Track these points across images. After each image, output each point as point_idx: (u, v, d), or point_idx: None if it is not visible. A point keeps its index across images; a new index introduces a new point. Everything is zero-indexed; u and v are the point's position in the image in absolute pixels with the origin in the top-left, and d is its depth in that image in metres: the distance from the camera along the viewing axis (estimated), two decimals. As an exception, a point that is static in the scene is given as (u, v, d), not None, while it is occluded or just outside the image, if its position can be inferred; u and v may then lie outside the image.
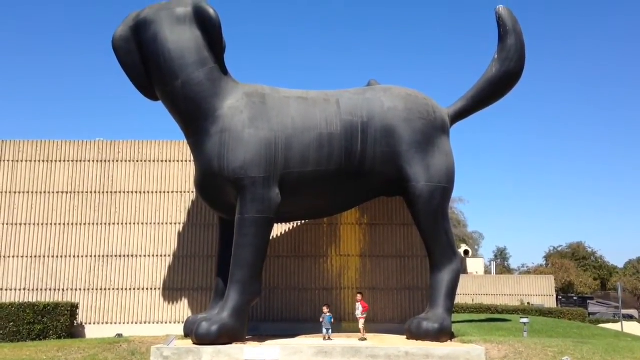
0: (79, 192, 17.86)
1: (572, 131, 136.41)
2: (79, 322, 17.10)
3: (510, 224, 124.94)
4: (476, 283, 46.55)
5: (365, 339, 14.18)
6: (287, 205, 14.36)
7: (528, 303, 43.13)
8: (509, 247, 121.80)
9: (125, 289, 17.38)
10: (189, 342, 13.41)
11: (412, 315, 15.99)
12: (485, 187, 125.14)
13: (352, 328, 15.92)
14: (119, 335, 16.29)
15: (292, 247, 17.69)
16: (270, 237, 14.62)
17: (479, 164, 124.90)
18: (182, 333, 14.81)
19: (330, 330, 14.21)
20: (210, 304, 14.90)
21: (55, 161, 18.07)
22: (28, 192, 17.85)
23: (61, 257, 17.49)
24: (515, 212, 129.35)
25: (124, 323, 17.12)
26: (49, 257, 17.48)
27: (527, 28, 16.24)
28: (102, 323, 17.18)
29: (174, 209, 17.85)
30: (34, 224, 17.67)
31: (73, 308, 16.75)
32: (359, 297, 14.78)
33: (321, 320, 14.34)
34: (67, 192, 17.87)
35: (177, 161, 18.16)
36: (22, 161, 18.04)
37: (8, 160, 18.03)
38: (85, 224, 17.69)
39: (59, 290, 17.33)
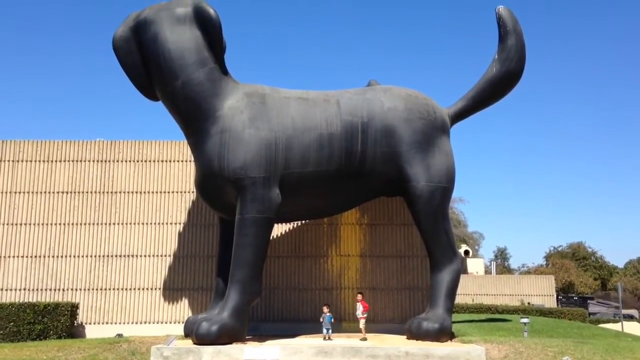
0: (79, 192, 17.87)
1: (572, 131, 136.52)
2: (79, 322, 17.11)
3: (510, 224, 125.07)
4: (476, 283, 46.56)
5: (365, 339, 14.17)
6: (287, 206, 14.36)
7: (528, 303, 43.12)
8: (509, 247, 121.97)
9: (126, 289, 17.39)
10: (189, 342, 13.42)
11: (412, 315, 15.99)
12: (485, 187, 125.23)
13: (352, 328, 15.92)
14: (119, 335, 16.30)
15: (292, 247, 17.70)
16: (271, 237, 14.63)
17: (479, 164, 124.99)
18: (182, 333, 14.81)
19: (330, 330, 14.21)
20: (211, 304, 14.90)
21: (56, 161, 18.08)
22: (28, 192, 17.85)
23: (61, 257, 17.50)
24: (515, 212, 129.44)
25: (124, 323, 17.13)
26: (49, 257, 17.49)
27: (527, 28, 16.26)
28: (102, 323, 17.19)
29: (174, 209, 17.85)
30: (34, 224, 17.68)
31: (73, 308, 16.76)
32: (359, 297, 14.78)
33: (321, 320, 14.34)
34: (67, 192, 17.87)
35: (178, 161, 18.16)
36: (22, 161, 18.05)
37: (8, 161, 18.03)
38: (85, 224, 17.69)
39: (59, 290, 17.33)
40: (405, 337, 14.61)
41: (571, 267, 69.11)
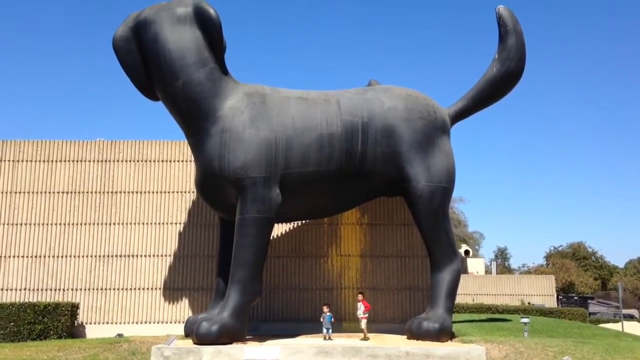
0: (79, 192, 17.87)
1: (572, 131, 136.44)
2: (80, 322, 17.11)
3: (510, 224, 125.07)
4: (477, 283, 46.54)
5: (367, 339, 14.15)
6: (287, 206, 14.36)
7: (529, 303, 43.12)
8: (510, 247, 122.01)
9: (126, 289, 17.39)
10: (189, 342, 13.42)
11: (412, 315, 15.99)
12: (485, 187, 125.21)
13: (353, 328, 15.93)
14: (120, 335, 16.30)
15: (293, 247, 17.70)
16: (271, 237, 14.63)
17: (479, 164, 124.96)
18: (182, 333, 14.81)
19: (330, 330, 14.20)
20: (211, 304, 14.90)
21: (56, 161, 18.08)
22: (29, 192, 17.85)
23: (62, 257, 17.50)
24: (515, 212, 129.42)
25: (124, 323, 17.13)
26: (49, 257, 17.49)
27: (527, 28, 16.26)
28: (103, 323, 17.19)
29: (175, 209, 17.86)
30: (34, 224, 17.68)
31: (73, 308, 16.76)
32: (360, 297, 14.76)
33: (321, 319, 14.33)
34: (67, 192, 17.88)
35: (178, 161, 18.16)
36: (22, 161, 18.05)
37: (9, 161, 18.03)
38: (85, 224, 17.70)
39: (59, 290, 17.34)
40: (405, 337, 14.60)
41: (571, 267, 69.10)
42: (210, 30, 14.26)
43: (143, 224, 17.75)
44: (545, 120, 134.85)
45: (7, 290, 17.26)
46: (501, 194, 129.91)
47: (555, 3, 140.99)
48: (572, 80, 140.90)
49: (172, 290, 17.39)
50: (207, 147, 14.06)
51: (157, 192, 17.95)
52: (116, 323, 17.15)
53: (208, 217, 17.62)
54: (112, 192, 17.89)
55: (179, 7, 14.32)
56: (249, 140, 13.87)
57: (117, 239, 17.63)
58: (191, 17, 14.26)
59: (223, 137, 13.91)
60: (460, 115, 16.19)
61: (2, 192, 17.80)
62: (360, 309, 14.48)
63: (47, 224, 17.69)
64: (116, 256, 17.54)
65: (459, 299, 29.75)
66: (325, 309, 14.38)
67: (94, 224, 17.70)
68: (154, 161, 18.17)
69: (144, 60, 14.46)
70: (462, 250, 32.56)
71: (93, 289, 17.37)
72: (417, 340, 13.90)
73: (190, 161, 17.24)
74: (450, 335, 14.50)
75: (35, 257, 17.48)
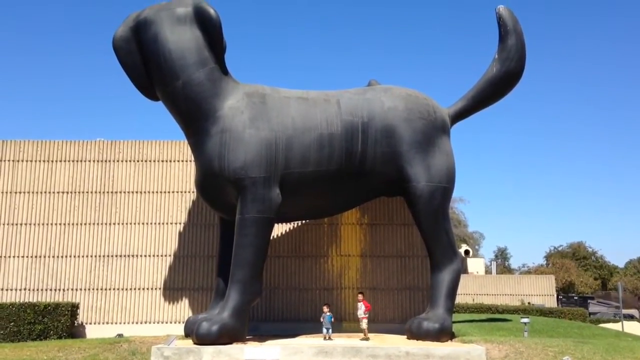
0: (79, 192, 17.87)
1: (572, 131, 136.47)
2: (80, 322, 17.11)
3: (510, 224, 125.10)
4: (477, 283, 46.53)
5: (367, 339, 14.15)
6: (287, 206, 14.36)
7: (529, 303, 43.11)
8: (510, 247, 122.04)
9: (126, 289, 17.39)
10: (189, 342, 13.42)
11: (412, 315, 15.98)
12: (485, 187, 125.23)
13: (353, 328, 15.92)
14: (120, 335, 16.30)
15: (293, 247, 17.69)
16: (271, 237, 14.63)
17: (479, 164, 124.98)
18: (182, 333, 14.81)
19: (330, 330, 14.20)
20: (211, 304, 14.90)
21: (56, 161, 18.08)
22: (29, 192, 17.85)
23: (62, 257, 17.50)
24: (515, 212, 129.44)
25: (124, 323, 17.13)
26: (49, 257, 17.49)
27: (527, 28, 16.25)
28: (103, 323, 17.19)
29: (175, 209, 17.86)
30: (34, 224, 17.68)
31: (73, 308, 16.76)
32: (360, 297, 14.75)
33: (321, 319, 14.33)
34: (67, 192, 17.87)
35: (178, 161, 18.16)
36: (22, 161, 18.05)
37: (9, 161, 18.03)
38: (85, 224, 17.69)
39: (59, 290, 17.33)
40: (405, 337, 14.60)
41: (571, 267, 69.11)
42: (210, 30, 14.26)
43: (143, 224, 17.75)
44: (545, 120, 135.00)
45: (7, 290, 17.26)
46: (501, 194, 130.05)
47: (555, 3, 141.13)
48: (572, 80, 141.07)
49: (172, 290, 17.39)
50: (207, 147, 14.06)
51: (157, 192, 17.94)
52: (116, 323, 17.15)
53: (208, 217, 17.62)
54: (112, 192, 17.89)
55: (179, 7, 14.31)
56: (249, 140, 13.87)
57: (117, 239, 17.63)
58: (191, 17, 14.25)
59: (223, 137, 13.91)
60: (460, 115, 16.19)
61: (2, 192, 17.80)
62: (361, 309, 14.46)
63: (47, 224, 17.69)
64: (116, 256, 17.54)
65: (459, 299, 29.76)
66: (325, 309, 14.38)
67: (94, 224, 17.70)
68: (154, 161, 18.16)
69: (144, 60, 14.45)
70: (462, 250, 32.53)
71: (93, 289, 17.37)
72: (417, 340, 13.89)
73: (190, 161, 17.24)
74: (450, 335, 14.50)
75: (35, 257, 17.48)
